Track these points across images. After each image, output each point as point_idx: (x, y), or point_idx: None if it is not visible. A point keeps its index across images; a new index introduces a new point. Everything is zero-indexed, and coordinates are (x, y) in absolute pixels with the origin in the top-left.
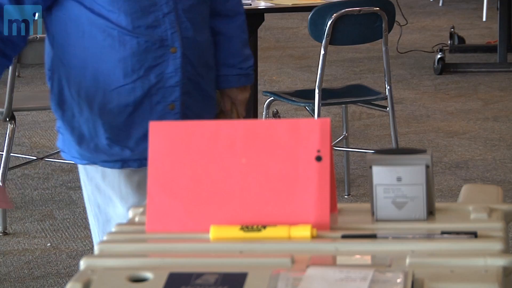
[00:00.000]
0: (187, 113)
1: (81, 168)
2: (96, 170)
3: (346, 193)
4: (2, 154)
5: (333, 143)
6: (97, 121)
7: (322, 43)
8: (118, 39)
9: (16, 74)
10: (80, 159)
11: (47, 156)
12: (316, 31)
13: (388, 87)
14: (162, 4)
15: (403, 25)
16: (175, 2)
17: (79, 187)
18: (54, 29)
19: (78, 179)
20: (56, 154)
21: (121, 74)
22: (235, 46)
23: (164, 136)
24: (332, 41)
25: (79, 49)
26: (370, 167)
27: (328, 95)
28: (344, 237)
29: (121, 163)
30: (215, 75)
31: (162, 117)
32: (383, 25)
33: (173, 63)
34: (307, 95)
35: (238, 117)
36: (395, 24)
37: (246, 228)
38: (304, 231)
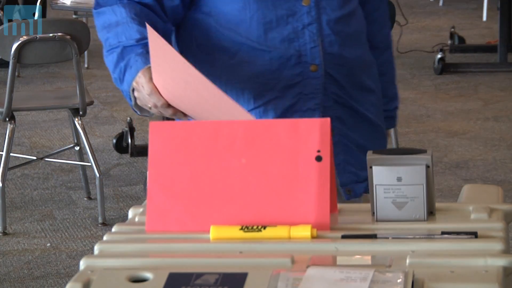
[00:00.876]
0: (344, 142)
1: None
2: None
3: None
4: (2, 154)
5: None
6: None
7: None
8: (247, 54)
9: (16, 74)
10: None
11: (47, 156)
12: None
13: None
14: (303, 13)
15: (403, 25)
16: (319, 12)
17: (79, 187)
18: (180, 47)
19: (78, 179)
20: (56, 154)
21: (251, 96)
22: (383, 85)
23: (164, 136)
24: None
25: (204, 68)
26: (370, 167)
27: None
28: (344, 237)
29: None
30: (379, 99)
31: None
32: None
33: (313, 82)
34: None
35: None
36: (395, 24)
37: (246, 228)
38: (304, 231)
